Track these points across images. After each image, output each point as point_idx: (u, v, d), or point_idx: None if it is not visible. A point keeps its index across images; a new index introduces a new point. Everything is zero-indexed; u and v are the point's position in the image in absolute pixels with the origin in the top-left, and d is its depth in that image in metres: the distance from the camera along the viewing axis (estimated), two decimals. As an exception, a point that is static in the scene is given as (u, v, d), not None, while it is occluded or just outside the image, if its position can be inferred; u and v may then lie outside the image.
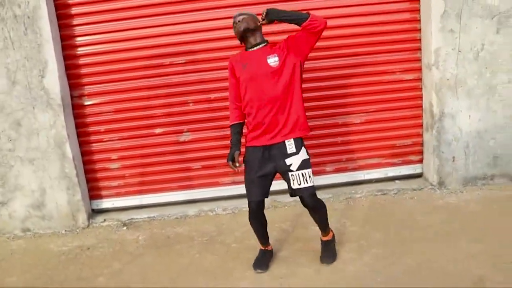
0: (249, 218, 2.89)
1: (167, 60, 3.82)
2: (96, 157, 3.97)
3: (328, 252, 2.97)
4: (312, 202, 2.76)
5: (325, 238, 2.98)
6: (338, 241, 3.15)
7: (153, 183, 4.03)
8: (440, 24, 3.61)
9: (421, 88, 3.95)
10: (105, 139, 3.93)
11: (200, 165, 4.01)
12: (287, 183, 2.79)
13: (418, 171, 4.11)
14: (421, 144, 4.05)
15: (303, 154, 2.75)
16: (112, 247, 3.47)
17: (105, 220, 3.89)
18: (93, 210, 4.02)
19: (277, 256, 3.09)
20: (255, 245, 3.19)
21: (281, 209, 3.78)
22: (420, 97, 3.97)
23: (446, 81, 3.70)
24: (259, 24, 2.77)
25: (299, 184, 2.72)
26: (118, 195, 4.04)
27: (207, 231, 3.55)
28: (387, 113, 3.98)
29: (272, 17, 2.70)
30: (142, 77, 3.84)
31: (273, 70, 2.70)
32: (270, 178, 2.84)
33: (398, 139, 4.04)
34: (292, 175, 2.73)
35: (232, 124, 2.89)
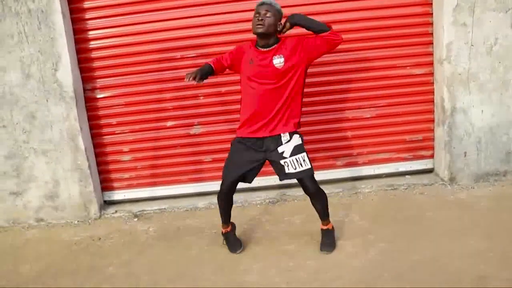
0: (218, 197, 2.95)
1: (178, 54, 3.82)
2: (108, 149, 4.01)
3: (328, 240, 3.01)
4: (312, 184, 2.79)
5: (325, 227, 3.02)
6: (346, 236, 3.17)
7: (164, 176, 4.06)
8: (453, 18, 3.55)
9: (433, 83, 3.90)
10: (117, 132, 3.97)
11: (211, 158, 4.01)
12: (278, 170, 2.82)
13: (429, 166, 4.07)
14: (433, 139, 4.00)
15: (294, 141, 2.78)
16: (122, 238, 3.53)
17: (116, 211, 3.95)
18: (105, 201, 4.07)
19: (285, 249, 3.11)
20: (262, 238, 3.24)
21: (290, 203, 3.79)
22: (432, 92, 3.91)
23: (458, 75, 3.66)
24: (279, 29, 2.75)
25: (295, 169, 2.75)
26: (129, 187, 4.09)
27: (216, 223, 3.52)
28: (398, 107, 3.95)
29: (297, 21, 2.69)
30: (153, 71, 3.85)
31: (277, 72, 2.71)
32: (255, 166, 2.85)
33: (409, 134, 4.01)
34: (285, 162, 2.76)
35: (207, 64, 2.83)
